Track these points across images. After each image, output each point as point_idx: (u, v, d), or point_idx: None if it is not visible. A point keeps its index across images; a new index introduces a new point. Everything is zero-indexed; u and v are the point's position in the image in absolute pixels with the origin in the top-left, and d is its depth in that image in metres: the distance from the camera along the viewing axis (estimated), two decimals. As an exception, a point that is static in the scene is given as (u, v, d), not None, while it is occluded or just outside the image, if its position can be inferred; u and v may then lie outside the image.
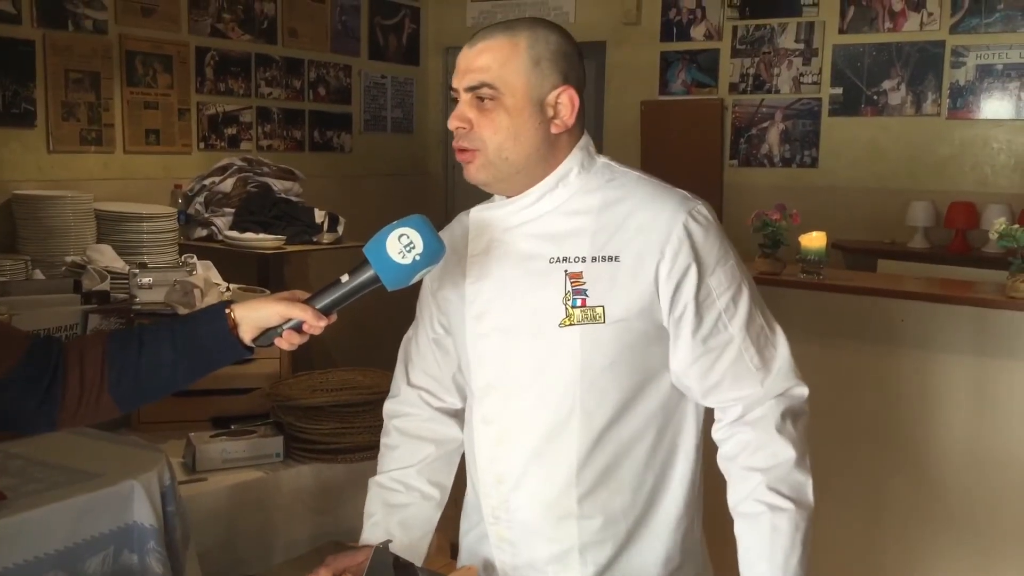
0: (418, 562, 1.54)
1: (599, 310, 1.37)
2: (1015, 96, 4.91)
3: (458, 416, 1.62)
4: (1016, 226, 2.97)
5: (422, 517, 1.58)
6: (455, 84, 1.41)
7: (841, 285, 3.18)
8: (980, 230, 4.82)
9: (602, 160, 1.47)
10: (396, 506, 1.56)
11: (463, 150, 1.41)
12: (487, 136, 1.38)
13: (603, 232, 1.39)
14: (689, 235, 1.37)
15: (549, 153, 1.42)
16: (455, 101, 1.42)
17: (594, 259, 1.38)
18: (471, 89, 1.38)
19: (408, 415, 1.61)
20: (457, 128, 1.40)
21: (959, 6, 4.98)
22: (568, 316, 1.38)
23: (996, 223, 3.03)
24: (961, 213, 4.89)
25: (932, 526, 3.11)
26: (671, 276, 1.37)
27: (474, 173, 1.42)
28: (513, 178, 1.42)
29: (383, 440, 1.64)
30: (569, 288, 1.38)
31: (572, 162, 1.44)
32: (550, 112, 1.40)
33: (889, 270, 4.36)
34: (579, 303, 1.38)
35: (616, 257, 1.38)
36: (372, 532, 1.55)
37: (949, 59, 5.03)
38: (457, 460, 1.63)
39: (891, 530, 3.17)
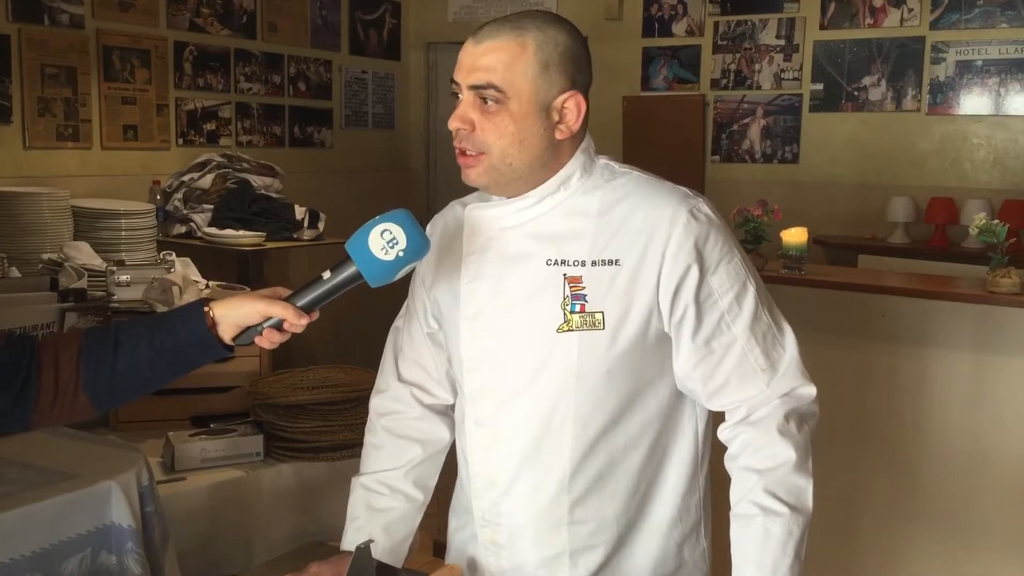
0: (399, 563, 1.53)
1: (599, 316, 1.35)
2: (994, 92, 4.94)
3: (448, 414, 1.59)
4: (996, 221, 2.99)
5: (405, 520, 1.55)
6: (457, 78, 1.36)
7: (822, 280, 3.19)
8: (960, 225, 4.86)
9: (602, 160, 1.44)
10: (380, 510, 1.54)
11: (465, 153, 1.36)
12: (491, 141, 1.34)
13: (603, 235, 1.36)
14: (689, 235, 1.34)
15: (552, 158, 1.38)
16: (455, 95, 1.37)
17: (594, 263, 1.35)
18: (476, 88, 1.33)
19: (397, 413, 1.58)
20: (458, 129, 1.35)
21: (939, 2, 5.00)
22: (567, 321, 1.35)
23: (976, 218, 3.04)
24: (941, 208, 4.92)
25: (915, 522, 3.12)
26: (671, 278, 1.34)
27: (475, 177, 1.38)
28: (515, 183, 1.38)
29: (368, 438, 1.60)
30: (568, 293, 1.35)
31: (574, 165, 1.40)
32: (555, 117, 1.35)
33: (870, 265, 4.37)
34: (578, 308, 1.35)
35: (616, 261, 1.35)
36: (356, 536, 1.51)
37: (929, 55, 5.06)
38: (442, 460, 1.60)
39: (872, 526, 3.18)
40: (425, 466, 1.57)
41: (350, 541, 1.51)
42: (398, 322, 1.62)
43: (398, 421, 1.58)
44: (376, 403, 1.61)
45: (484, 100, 1.33)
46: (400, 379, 1.59)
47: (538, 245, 1.39)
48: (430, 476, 1.58)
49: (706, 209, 1.38)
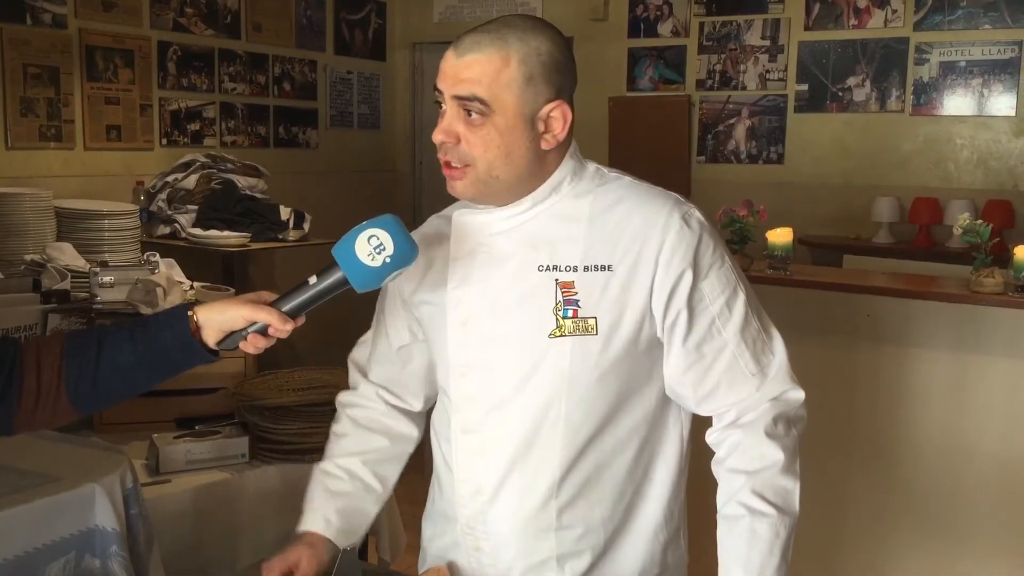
0: (352, 547, 1.52)
1: (592, 321, 1.35)
2: (977, 93, 4.97)
3: (414, 418, 1.59)
4: (979, 221, 3.01)
5: (361, 508, 1.54)
6: (440, 86, 1.34)
7: (808, 280, 3.20)
8: (944, 225, 4.88)
9: (592, 166, 1.45)
10: (337, 493, 1.54)
11: (450, 165, 1.36)
12: (477, 154, 1.33)
13: (595, 240, 1.37)
14: (683, 240, 1.35)
15: (539, 168, 1.38)
16: (438, 103, 1.36)
17: (586, 268, 1.36)
18: (460, 99, 1.32)
19: (363, 407, 1.59)
20: (442, 143, 1.34)
21: (923, 3, 5.03)
22: (559, 327, 1.35)
23: (960, 219, 3.06)
24: (925, 209, 4.95)
25: (898, 521, 3.13)
26: (665, 283, 1.34)
27: (461, 189, 1.37)
28: (502, 194, 1.38)
29: (333, 428, 1.61)
30: (560, 298, 1.35)
31: (564, 171, 1.40)
32: (541, 127, 1.35)
33: (855, 265, 4.39)
34: (571, 314, 1.35)
35: (609, 266, 1.35)
36: (311, 519, 1.52)
37: (913, 56, 5.08)
38: (405, 459, 1.60)
39: (857, 526, 3.19)
40: (387, 458, 1.57)
41: (305, 525, 1.52)
42: (367, 336, 1.63)
43: (364, 412, 1.58)
44: (343, 398, 1.62)
45: (468, 112, 1.32)
46: (368, 380, 1.60)
47: (528, 250, 1.39)
48: (391, 471, 1.58)
49: (698, 215, 1.39)
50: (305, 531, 1.51)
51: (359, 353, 1.63)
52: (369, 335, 1.62)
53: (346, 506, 1.53)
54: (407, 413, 1.59)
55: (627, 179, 1.44)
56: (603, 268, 1.35)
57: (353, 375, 1.63)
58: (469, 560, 1.48)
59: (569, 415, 1.37)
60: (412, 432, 1.59)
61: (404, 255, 1.28)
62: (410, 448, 1.60)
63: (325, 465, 1.57)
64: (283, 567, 1.44)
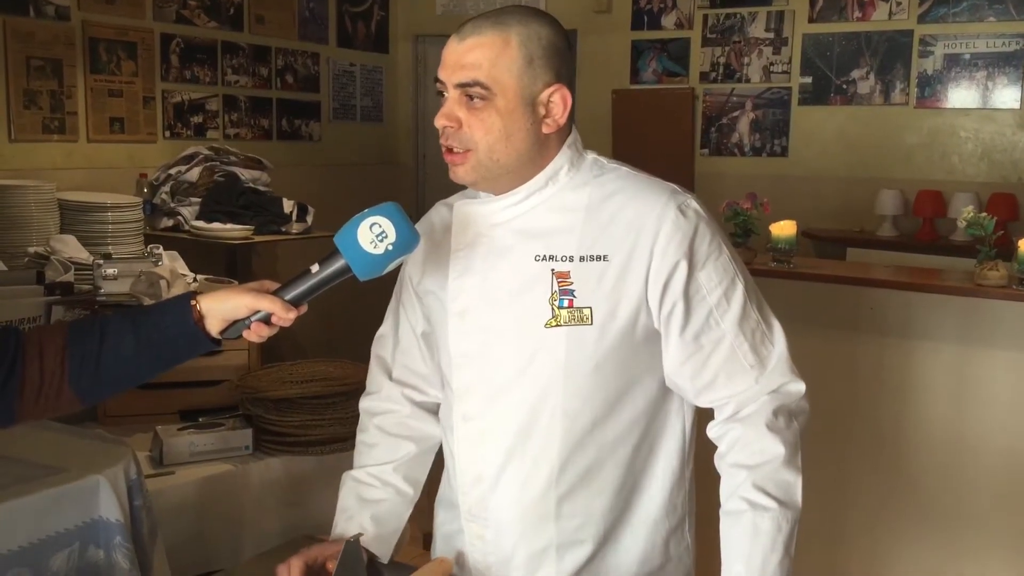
0: (387, 555, 1.54)
1: (586, 311, 1.35)
2: (982, 85, 4.96)
3: (438, 412, 1.60)
4: (984, 214, 3.00)
5: (395, 513, 1.56)
6: (442, 77, 1.36)
7: (811, 273, 3.20)
8: (948, 218, 4.88)
9: (591, 156, 1.45)
10: (370, 500, 1.55)
11: (452, 151, 1.37)
12: (478, 137, 1.34)
13: (591, 230, 1.36)
14: (678, 230, 1.34)
15: (539, 153, 1.38)
16: (441, 94, 1.37)
17: (582, 258, 1.36)
18: (462, 86, 1.33)
19: (389, 412, 1.59)
20: (445, 127, 1.35)
21: (927, -4, 5.02)
22: (554, 317, 1.35)
23: (964, 211, 3.06)
24: (929, 202, 4.94)
25: (902, 515, 3.14)
26: (660, 274, 1.34)
27: (463, 175, 1.38)
28: (502, 178, 1.38)
29: (360, 437, 1.61)
30: (556, 288, 1.35)
31: (562, 160, 1.40)
32: (541, 111, 1.36)
33: (858, 258, 4.39)
34: (566, 303, 1.35)
35: (604, 256, 1.35)
36: (346, 526, 1.53)
37: (917, 48, 5.07)
38: (432, 457, 1.61)
39: (860, 519, 3.20)
40: (416, 462, 1.58)
41: (341, 532, 1.53)
42: (384, 330, 1.62)
43: (390, 419, 1.59)
44: (367, 404, 1.62)
45: (470, 97, 1.33)
46: (391, 379, 1.59)
47: (526, 241, 1.39)
48: (420, 472, 1.60)
49: (695, 205, 1.38)
50: (343, 539, 1.51)
51: (381, 347, 1.62)
52: (386, 329, 1.61)
53: (380, 512, 1.54)
54: (432, 411, 1.59)
55: (625, 169, 1.43)
56: (599, 258, 1.35)
57: (375, 374, 1.62)
58: (472, 548, 1.49)
59: (566, 405, 1.37)
60: (437, 432, 1.59)
61: (406, 242, 1.29)
62: (435, 447, 1.61)
63: (356, 473, 1.58)
64: (320, 553, 1.46)
